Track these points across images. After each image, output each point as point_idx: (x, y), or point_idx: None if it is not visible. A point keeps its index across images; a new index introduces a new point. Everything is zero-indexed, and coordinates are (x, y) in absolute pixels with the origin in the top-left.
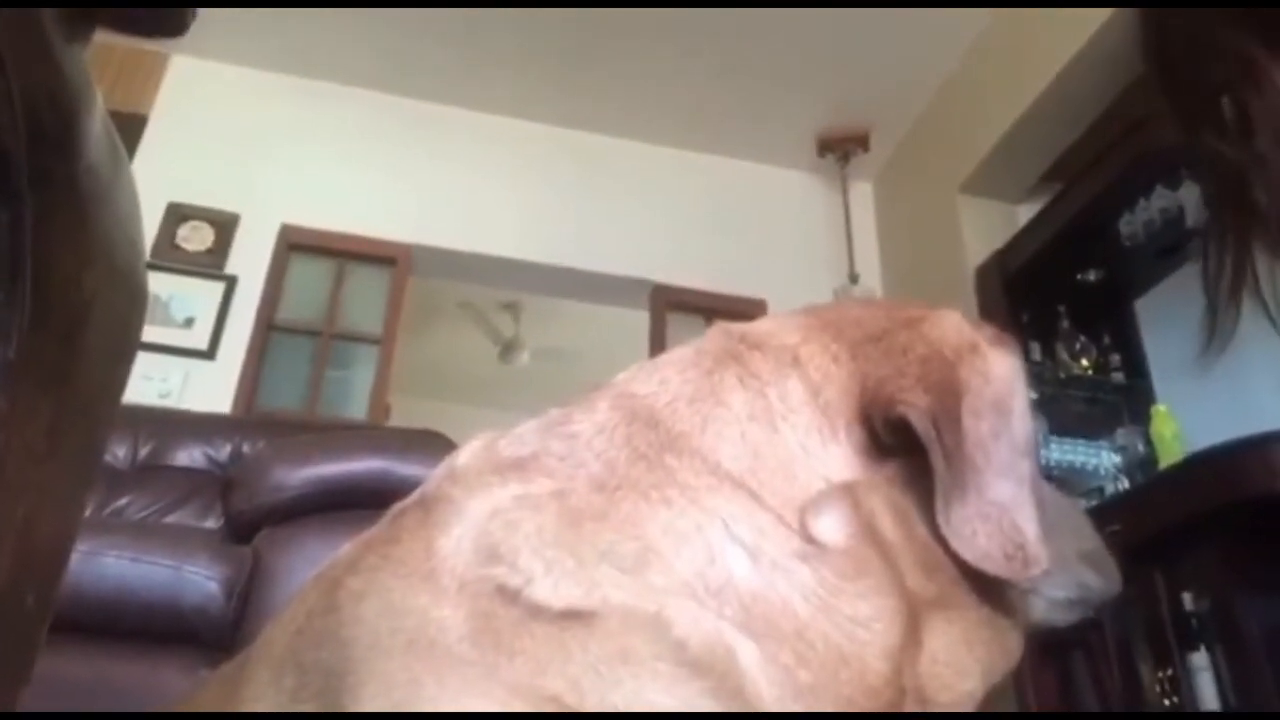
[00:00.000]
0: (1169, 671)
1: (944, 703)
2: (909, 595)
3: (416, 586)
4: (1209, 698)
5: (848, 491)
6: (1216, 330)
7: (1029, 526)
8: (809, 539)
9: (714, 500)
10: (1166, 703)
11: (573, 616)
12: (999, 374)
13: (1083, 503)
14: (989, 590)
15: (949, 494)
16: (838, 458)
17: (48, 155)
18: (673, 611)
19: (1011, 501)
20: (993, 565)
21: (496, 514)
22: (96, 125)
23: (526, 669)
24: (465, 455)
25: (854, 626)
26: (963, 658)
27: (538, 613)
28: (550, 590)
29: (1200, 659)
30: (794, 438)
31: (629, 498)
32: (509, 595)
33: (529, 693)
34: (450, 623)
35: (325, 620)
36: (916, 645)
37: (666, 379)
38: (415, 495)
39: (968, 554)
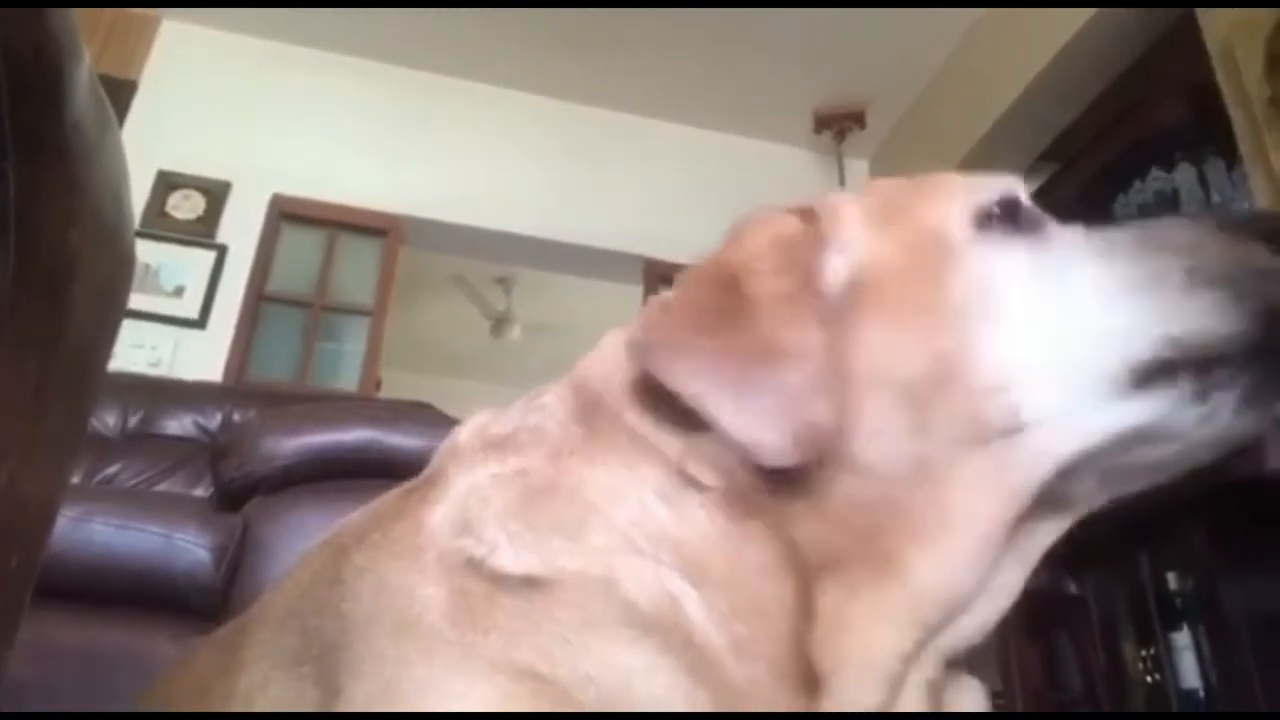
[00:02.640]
0: (1152, 650)
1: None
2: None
3: (407, 565)
4: (1191, 676)
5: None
6: None
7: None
8: (693, 482)
9: (632, 457)
10: (1149, 680)
11: (533, 585)
12: None
13: None
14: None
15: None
16: None
17: (33, 111)
18: (619, 571)
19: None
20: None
21: (474, 490)
22: (83, 82)
23: (500, 643)
24: (465, 432)
25: (759, 577)
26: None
27: (500, 580)
28: (511, 559)
29: (1183, 638)
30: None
31: (575, 464)
32: (475, 565)
33: (506, 666)
34: (433, 601)
35: (330, 591)
36: (809, 615)
37: (606, 351)
38: (425, 471)
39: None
